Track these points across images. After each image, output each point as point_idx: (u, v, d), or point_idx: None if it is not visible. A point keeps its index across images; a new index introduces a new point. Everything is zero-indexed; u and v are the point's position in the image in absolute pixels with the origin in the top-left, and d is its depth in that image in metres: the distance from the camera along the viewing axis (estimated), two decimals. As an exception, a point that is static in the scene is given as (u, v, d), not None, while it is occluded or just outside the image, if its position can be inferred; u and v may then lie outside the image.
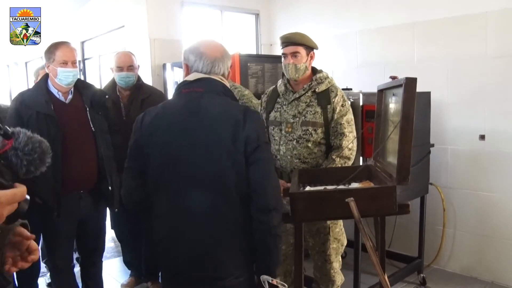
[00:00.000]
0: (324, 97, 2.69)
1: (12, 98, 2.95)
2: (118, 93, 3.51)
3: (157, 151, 1.78)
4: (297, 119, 2.70)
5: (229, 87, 1.89)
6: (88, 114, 2.84)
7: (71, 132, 2.76)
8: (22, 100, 2.74)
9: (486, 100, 3.56)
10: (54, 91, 2.81)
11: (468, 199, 3.74)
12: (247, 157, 1.71)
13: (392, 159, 2.16)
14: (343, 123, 2.67)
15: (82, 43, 6.26)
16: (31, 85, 3.63)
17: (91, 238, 3.04)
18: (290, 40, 2.69)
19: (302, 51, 2.68)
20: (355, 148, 2.71)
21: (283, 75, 2.84)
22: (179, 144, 1.75)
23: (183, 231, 1.78)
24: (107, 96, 3.04)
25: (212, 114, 1.76)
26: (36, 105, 2.70)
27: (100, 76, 5.97)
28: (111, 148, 2.94)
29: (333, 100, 2.68)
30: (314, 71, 2.78)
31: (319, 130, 2.67)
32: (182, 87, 1.84)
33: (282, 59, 2.74)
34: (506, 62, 3.44)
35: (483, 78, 3.56)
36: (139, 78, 3.59)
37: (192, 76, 1.83)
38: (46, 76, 2.86)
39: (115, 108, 3.38)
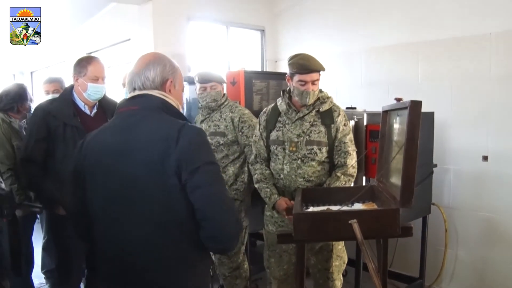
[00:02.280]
0: (327, 116, 2.71)
1: (35, 107, 3.00)
2: None
3: (89, 175, 1.64)
4: (302, 138, 2.69)
5: (173, 105, 1.67)
6: None
7: None
8: (50, 111, 2.76)
9: (490, 121, 3.57)
10: (80, 104, 2.84)
11: (470, 220, 3.72)
12: (184, 181, 1.50)
13: (396, 180, 2.15)
14: (347, 142, 2.71)
15: (88, 54, 6.29)
16: (37, 95, 3.66)
17: None
18: (314, 68, 2.63)
19: (319, 77, 2.69)
20: (356, 166, 2.74)
21: (283, 93, 2.84)
22: (108, 166, 1.59)
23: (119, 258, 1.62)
24: None
25: (142, 132, 1.57)
26: (64, 117, 2.74)
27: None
28: None
29: (336, 119, 2.71)
30: None
31: (324, 149, 2.68)
32: (120, 106, 1.74)
33: (295, 84, 2.67)
34: (510, 83, 3.45)
35: (486, 99, 3.57)
36: None
37: (130, 94, 1.69)
38: (70, 88, 2.89)
39: None
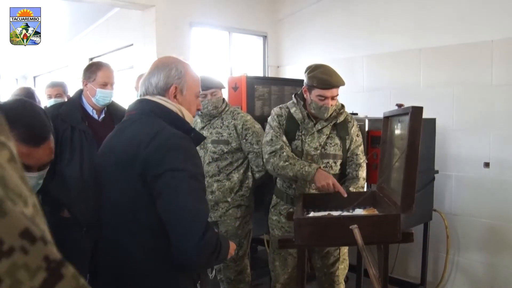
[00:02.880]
0: (343, 128, 2.69)
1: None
2: None
3: (95, 175, 1.69)
4: (318, 151, 2.66)
5: (171, 110, 1.61)
6: None
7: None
8: (58, 114, 2.76)
9: (491, 128, 3.57)
10: (88, 108, 2.86)
11: (471, 226, 3.72)
12: (149, 185, 1.44)
13: (397, 185, 2.16)
14: (359, 154, 2.70)
15: (91, 59, 6.33)
16: (40, 99, 3.67)
17: None
18: (335, 84, 2.57)
19: (338, 92, 2.64)
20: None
21: (296, 98, 2.76)
22: (101, 168, 1.63)
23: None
24: None
25: (125, 135, 1.56)
26: (72, 120, 2.75)
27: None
28: None
29: (351, 130, 2.69)
30: None
31: (339, 162, 2.68)
32: (126, 111, 1.73)
33: (315, 98, 2.61)
34: (511, 90, 3.45)
35: (488, 105, 3.58)
36: None
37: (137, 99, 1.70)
38: (79, 92, 2.92)
39: None
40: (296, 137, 2.71)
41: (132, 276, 1.52)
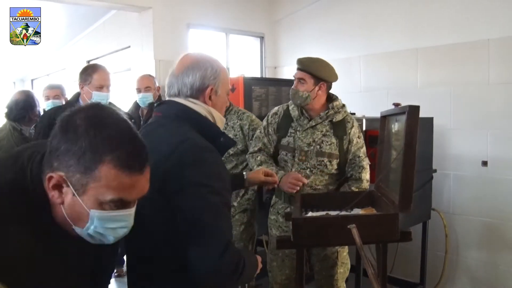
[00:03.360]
0: (341, 128, 2.65)
1: (42, 114, 3.01)
2: (140, 112, 3.82)
3: None
4: (312, 147, 2.63)
5: (200, 113, 1.54)
6: None
7: None
8: (55, 116, 2.75)
9: (489, 127, 3.58)
10: None
11: (470, 225, 3.72)
12: (168, 199, 1.38)
13: (395, 185, 2.16)
14: (361, 156, 2.66)
15: (88, 62, 6.32)
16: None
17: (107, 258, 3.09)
18: (300, 65, 2.63)
19: (308, 79, 2.61)
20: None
21: None
22: None
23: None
24: (133, 120, 3.12)
25: (150, 142, 1.35)
26: None
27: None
28: None
29: (349, 131, 2.65)
30: (330, 97, 2.74)
31: (334, 162, 2.64)
32: (154, 111, 1.65)
33: None
34: (508, 89, 3.46)
35: (485, 104, 3.59)
36: (159, 98, 3.84)
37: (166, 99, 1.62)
38: (77, 95, 2.92)
39: (136, 126, 3.53)
40: (288, 134, 2.71)
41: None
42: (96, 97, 2.79)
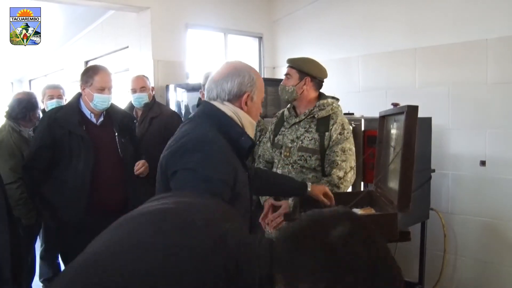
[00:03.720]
0: (323, 124, 2.65)
1: (43, 115, 2.99)
2: (134, 113, 3.76)
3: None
4: (295, 143, 2.67)
5: (226, 114, 1.66)
6: (116, 139, 2.89)
7: (101, 154, 2.79)
8: (56, 118, 2.74)
9: (487, 126, 3.58)
10: (86, 112, 2.83)
11: (469, 225, 3.73)
12: (169, 183, 1.55)
13: (394, 185, 2.16)
14: (337, 151, 2.60)
15: (86, 62, 6.32)
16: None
17: None
18: (287, 62, 2.73)
19: (293, 74, 2.68)
20: (349, 179, 2.62)
21: None
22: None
23: None
24: (135, 121, 3.09)
25: (175, 136, 1.68)
26: (69, 125, 2.72)
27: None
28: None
29: (331, 127, 2.63)
30: (320, 96, 2.77)
31: (314, 157, 2.62)
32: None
33: None
34: (507, 88, 3.46)
35: (484, 104, 3.59)
36: (153, 98, 3.82)
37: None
38: (78, 96, 2.88)
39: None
40: (279, 133, 2.78)
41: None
42: (98, 99, 2.77)
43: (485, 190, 3.61)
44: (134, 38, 4.80)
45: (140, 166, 2.95)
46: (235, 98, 1.67)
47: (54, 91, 3.93)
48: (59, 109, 2.90)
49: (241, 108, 1.67)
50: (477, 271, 3.72)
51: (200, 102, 1.78)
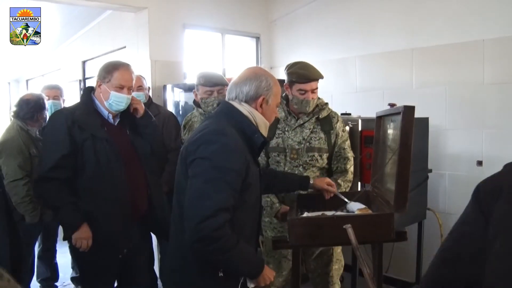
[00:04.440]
0: (327, 123, 2.73)
1: (51, 116, 2.65)
2: None
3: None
4: (302, 145, 2.69)
5: (242, 113, 1.83)
6: (130, 137, 2.62)
7: (124, 156, 2.51)
8: (75, 121, 2.40)
9: (484, 126, 3.59)
10: (104, 112, 2.53)
11: (465, 225, 3.73)
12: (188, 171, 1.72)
13: (390, 185, 2.17)
14: (346, 148, 2.73)
15: (84, 62, 6.32)
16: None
17: (138, 272, 2.76)
18: (313, 77, 2.63)
19: (316, 86, 2.68)
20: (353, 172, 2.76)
21: (281, 101, 2.80)
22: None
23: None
24: (153, 119, 2.78)
25: (194, 132, 1.86)
26: (91, 128, 2.42)
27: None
28: (157, 173, 2.77)
29: (335, 125, 2.73)
30: None
31: (324, 156, 2.70)
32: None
33: (295, 92, 2.67)
34: (503, 89, 3.47)
35: (480, 104, 3.60)
36: (150, 98, 3.81)
37: None
38: (88, 94, 2.57)
39: None
40: (276, 136, 2.75)
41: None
42: (114, 98, 2.46)
43: (482, 190, 3.61)
44: (132, 38, 4.79)
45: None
46: (252, 100, 1.83)
47: (51, 92, 3.92)
48: (73, 110, 2.50)
49: (256, 110, 1.84)
50: (474, 270, 3.72)
51: (220, 102, 2.02)
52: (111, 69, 2.50)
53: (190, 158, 1.69)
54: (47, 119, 3.28)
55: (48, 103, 3.75)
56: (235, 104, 1.84)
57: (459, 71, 3.71)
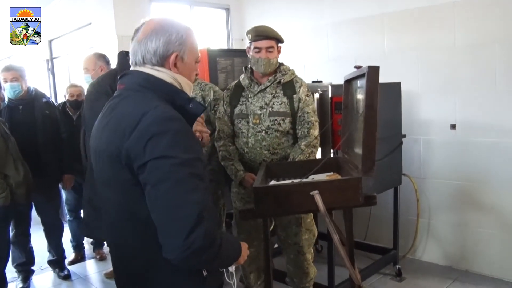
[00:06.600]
0: (289, 88, 2.72)
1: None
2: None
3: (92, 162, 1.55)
4: (264, 110, 2.70)
5: (164, 80, 1.42)
6: None
7: None
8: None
9: (456, 90, 3.57)
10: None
11: (441, 189, 3.75)
12: (138, 177, 1.29)
13: (359, 149, 2.13)
14: (310, 112, 2.71)
15: (50, 41, 6.11)
16: None
17: None
18: (265, 34, 2.67)
19: (275, 45, 2.70)
20: (319, 138, 2.75)
21: (245, 68, 2.85)
22: (92, 149, 1.49)
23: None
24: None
25: (115, 117, 1.38)
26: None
27: (69, 75, 5.84)
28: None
29: (298, 90, 2.72)
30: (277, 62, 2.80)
31: (287, 120, 2.70)
32: (118, 83, 1.50)
33: (252, 52, 2.71)
34: (474, 51, 3.45)
35: (452, 68, 3.57)
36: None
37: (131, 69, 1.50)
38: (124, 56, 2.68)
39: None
40: (240, 103, 2.79)
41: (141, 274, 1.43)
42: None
43: (456, 154, 3.62)
44: (97, 14, 4.63)
45: None
46: (163, 60, 1.42)
47: (7, 74, 3.75)
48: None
49: (170, 71, 1.43)
50: (450, 234, 3.76)
51: (126, 71, 1.48)
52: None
53: (137, 162, 1.27)
54: None
55: (6, 86, 3.62)
56: (151, 71, 1.42)
57: (430, 35, 3.67)
